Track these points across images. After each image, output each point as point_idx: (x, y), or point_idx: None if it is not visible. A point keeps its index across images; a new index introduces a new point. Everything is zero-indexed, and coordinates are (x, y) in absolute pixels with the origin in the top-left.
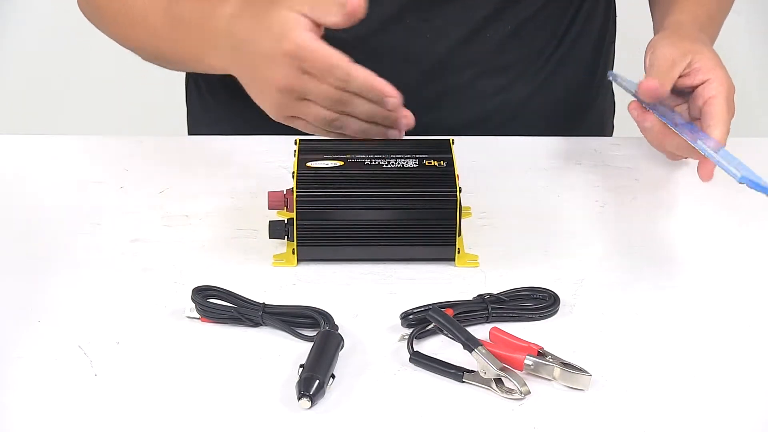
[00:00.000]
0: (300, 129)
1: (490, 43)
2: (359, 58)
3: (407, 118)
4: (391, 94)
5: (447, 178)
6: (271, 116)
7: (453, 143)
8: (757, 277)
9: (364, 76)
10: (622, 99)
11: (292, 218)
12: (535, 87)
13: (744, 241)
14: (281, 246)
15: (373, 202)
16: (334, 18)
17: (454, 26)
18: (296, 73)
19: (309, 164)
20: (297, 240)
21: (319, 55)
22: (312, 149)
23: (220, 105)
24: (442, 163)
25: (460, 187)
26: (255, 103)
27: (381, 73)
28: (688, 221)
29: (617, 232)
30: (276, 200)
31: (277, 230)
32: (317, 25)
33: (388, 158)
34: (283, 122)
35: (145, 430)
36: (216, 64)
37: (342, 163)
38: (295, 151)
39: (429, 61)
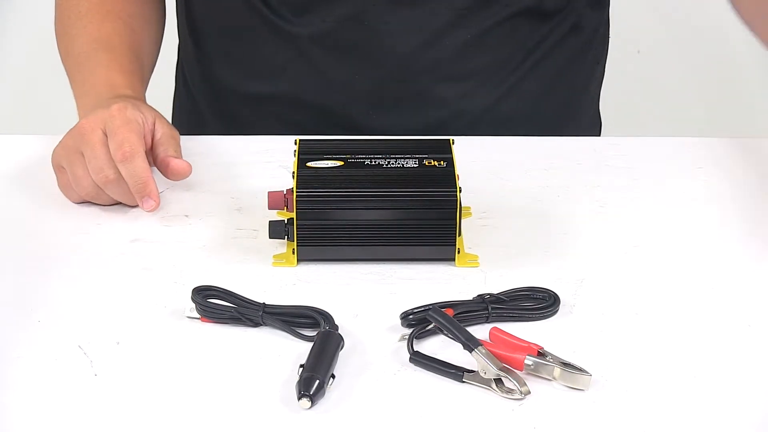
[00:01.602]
0: (60, 187)
1: (451, 50)
2: (318, 53)
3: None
4: (154, 197)
5: (447, 177)
6: (53, 154)
7: (453, 143)
8: (757, 277)
9: (144, 165)
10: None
11: (292, 218)
12: (498, 96)
13: (744, 241)
14: (281, 246)
15: (373, 202)
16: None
17: (414, 31)
18: (96, 127)
19: (309, 164)
20: (297, 240)
21: (126, 126)
22: (312, 149)
23: (208, 107)
24: (442, 163)
25: (460, 187)
26: (241, 106)
27: (338, 70)
28: (687, 221)
29: (617, 232)
30: (276, 200)
31: (277, 230)
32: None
33: (388, 158)
34: (53, 169)
35: (145, 430)
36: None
37: (342, 163)
38: (295, 151)
39: (388, 64)
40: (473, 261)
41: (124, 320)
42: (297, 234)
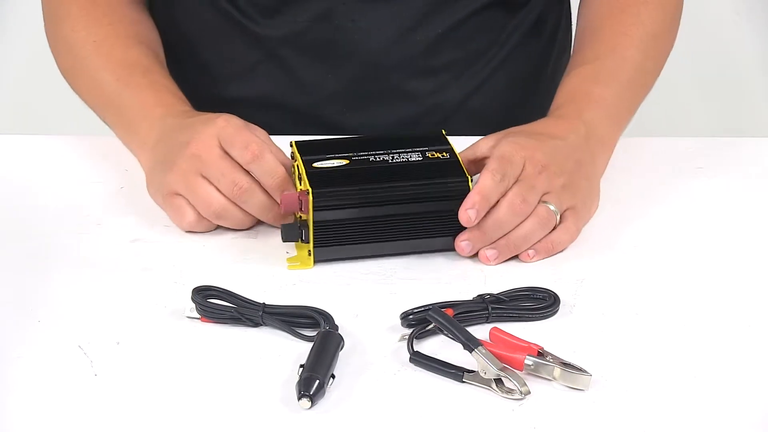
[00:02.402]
0: (173, 215)
1: (420, 46)
2: (289, 54)
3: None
4: (292, 190)
5: (454, 167)
6: (157, 191)
7: (445, 133)
8: (757, 277)
9: (275, 161)
10: None
11: (305, 219)
12: (470, 90)
13: (744, 241)
14: (281, 246)
15: (388, 196)
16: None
17: (383, 28)
18: (212, 145)
19: (315, 165)
20: (314, 241)
21: (243, 130)
22: (312, 150)
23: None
24: (444, 154)
25: (470, 176)
26: (214, 109)
27: (309, 70)
28: (688, 221)
29: (617, 232)
30: (291, 202)
31: (291, 233)
32: None
33: (391, 153)
34: (163, 200)
35: (145, 430)
36: (135, 148)
37: (347, 161)
38: (292, 153)
39: (358, 62)
40: None
41: (124, 320)
42: (314, 235)
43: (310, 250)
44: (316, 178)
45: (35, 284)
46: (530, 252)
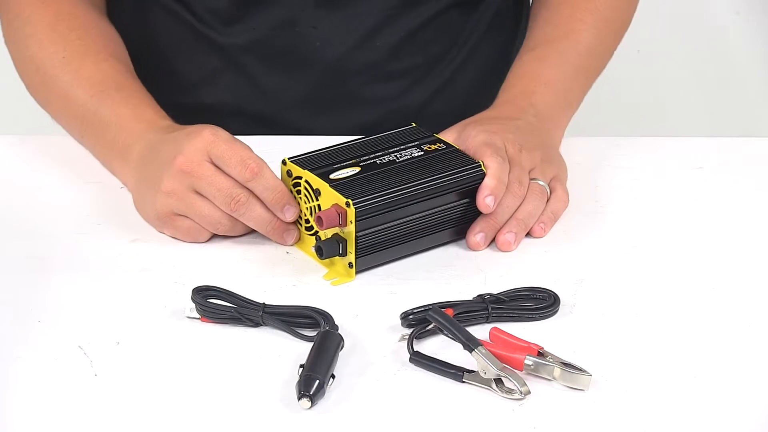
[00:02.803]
0: (174, 232)
1: (382, 50)
2: (251, 61)
3: (293, 236)
4: (294, 203)
5: (460, 156)
6: (149, 212)
7: (417, 124)
8: (757, 277)
9: (273, 175)
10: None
11: (337, 233)
12: (433, 92)
13: (744, 241)
14: (282, 246)
15: (420, 193)
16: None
17: (345, 34)
18: (201, 159)
19: (332, 176)
20: (357, 252)
21: (235, 145)
22: (311, 164)
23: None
24: (439, 145)
25: (481, 161)
26: (178, 117)
27: (271, 77)
28: (688, 221)
29: (617, 232)
30: (331, 219)
31: (331, 249)
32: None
33: (392, 153)
34: (159, 222)
35: (145, 430)
36: (117, 166)
37: (358, 168)
38: (289, 171)
39: (320, 68)
40: None
41: (124, 320)
42: (357, 245)
43: (351, 262)
44: (344, 188)
45: (35, 284)
46: (540, 225)
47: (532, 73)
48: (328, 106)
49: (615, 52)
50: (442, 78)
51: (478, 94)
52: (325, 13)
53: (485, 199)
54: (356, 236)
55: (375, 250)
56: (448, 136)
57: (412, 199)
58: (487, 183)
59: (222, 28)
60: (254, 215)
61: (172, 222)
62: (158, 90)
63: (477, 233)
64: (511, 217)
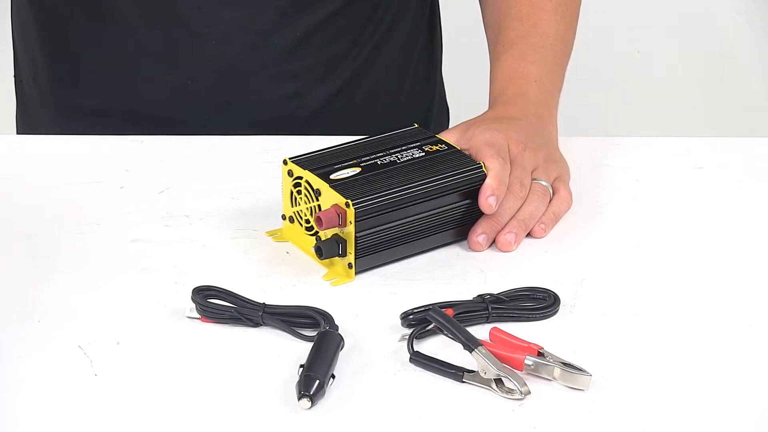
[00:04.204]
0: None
1: (279, 49)
2: (148, 62)
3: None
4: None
5: (462, 157)
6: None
7: (418, 125)
8: (757, 277)
9: None
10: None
11: (337, 234)
12: (333, 93)
13: (744, 241)
14: (282, 246)
15: (420, 194)
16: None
17: (240, 32)
18: None
19: (333, 177)
20: (356, 252)
21: None
22: (311, 164)
23: (48, 121)
24: (441, 146)
25: (482, 162)
26: (79, 121)
27: (170, 77)
28: (687, 221)
29: (617, 232)
30: (330, 219)
31: (331, 250)
32: None
33: (392, 154)
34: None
35: (145, 430)
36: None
37: (360, 168)
38: (290, 171)
39: (217, 66)
40: None
41: (124, 320)
42: (356, 246)
43: (351, 263)
44: (344, 189)
45: (35, 284)
46: (541, 226)
47: (519, 73)
48: (227, 105)
49: (615, 52)
50: (342, 79)
51: (381, 92)
52: (221, 12)
53: (487, 200)
54: (356, 237)
55: (374, 250)
56: (451, 135)
57: (412, 200)
58: (489, 183)
59: (118, 28)
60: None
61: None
62: (56, 94)
63: (479, 234)
64: (512, 217)
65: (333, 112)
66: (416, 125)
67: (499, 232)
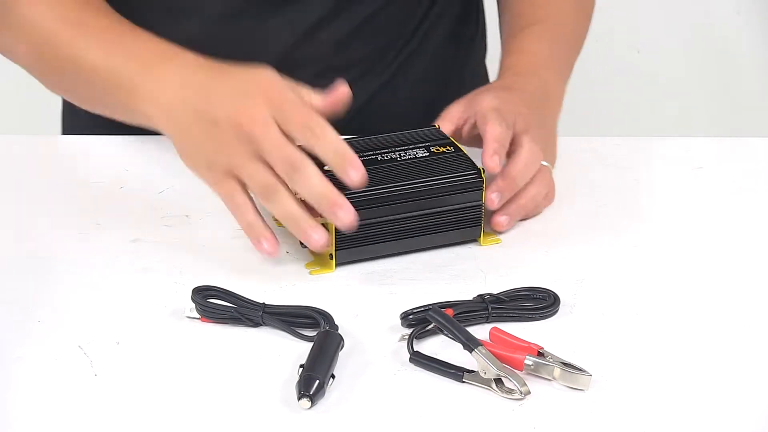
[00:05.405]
0: (224, 195)
1: (329, 43)
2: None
3: (349, 223)
4: (360, 168)
5: (464, 161)
6: (203, 168)
7: (439, 127)
8: (757, 277)
9: (339, 138)
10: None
11: (325, 222)
12: (381, 84)
13: (744, 241)
14: (282, 246)
15: (407, 194)
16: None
17: (290, 28)
18: (265, 114)
19: (327, 168)
20: (336, 244)
21: (300, 103)
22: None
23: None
24: (449, 148)
25: (481, 168)
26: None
27: None
28: (687, 221)
29: (617, 232)
30: (313, 208)
31: None
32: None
33: (396, 151)
34: (214, 181)
35: (145, 430)
36: (150, 105)
37: None
38: None
39: (266, 62)
40: (495, 239)
41: (124, 320)
42: (336, 238)
43: (331, 254)
44: (332, 179)
45: (35, 284)
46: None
47: (532, 51)
48: None
49: (614, 52)
50: (390, 70)
51: (428, 87)
52: (270, 8)
53: (491, 158)
54: (336, 228)
55: (356, 244)
56: (459, 104)
57: (398, 199)
58: (488, 144)
59: (167, 21)
60: (312, 183)
61: (225, 182)
62: None
63: (493, 192)
64: (514, 197)
65: (378, 104)
66: (437, 126)
67: (496, 213)
